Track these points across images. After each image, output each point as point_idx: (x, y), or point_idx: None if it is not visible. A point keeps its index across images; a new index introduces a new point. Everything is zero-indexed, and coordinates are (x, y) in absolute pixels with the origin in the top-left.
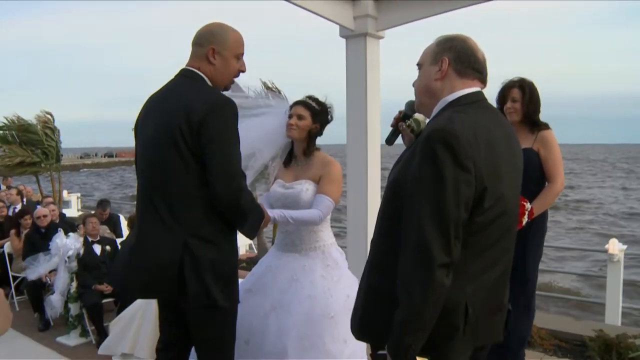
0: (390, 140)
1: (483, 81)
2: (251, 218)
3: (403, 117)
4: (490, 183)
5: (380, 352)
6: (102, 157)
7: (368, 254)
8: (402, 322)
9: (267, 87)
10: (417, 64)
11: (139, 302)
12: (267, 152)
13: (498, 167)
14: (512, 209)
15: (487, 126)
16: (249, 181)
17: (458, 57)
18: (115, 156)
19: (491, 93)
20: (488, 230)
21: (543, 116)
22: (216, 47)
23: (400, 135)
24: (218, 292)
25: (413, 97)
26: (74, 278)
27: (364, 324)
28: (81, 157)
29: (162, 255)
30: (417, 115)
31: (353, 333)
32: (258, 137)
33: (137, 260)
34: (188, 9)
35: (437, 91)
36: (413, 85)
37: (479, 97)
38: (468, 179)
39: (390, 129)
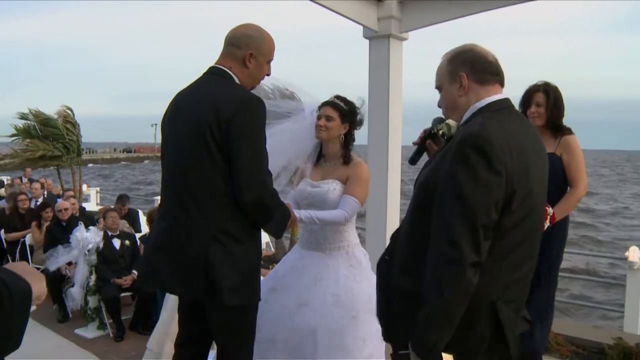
0: (414, 160)
1: (502, 82)
2: (276, 217)
3: (429, 135)
4: (519, 187)
5: (402, 351)
6: (120, 152)
7: (392, 255)
8: (428, 319)
9: (280, 91)
10: (436, 87)
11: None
12: (299, 158)
13: (527, 171)
14: (538, 213)
15: (516, 132)
16: (282, 184)
17: (473, 68)
18: (134, 152)
19: (515, 97)
20: (514, 233)
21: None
22: (254, 52)
23: (426, 153)
24: (239, 290)
25: (440, 114)
26: (93, 271)
27: (389, 324)
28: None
29: (188, 249)
30: (449, 121)
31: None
32: (287, 144)
33: (163, 254)
34: (203, 3)
35: (465, 105)
36: (439, 106)
37: (507, 104)
38: (499, 182)
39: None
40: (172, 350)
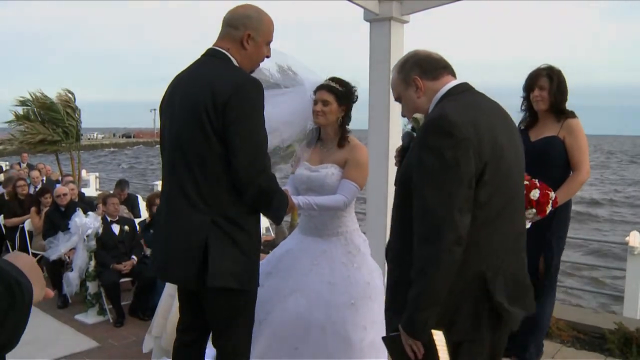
0: None
1: (453, 73)
2: (275, 203)
3: (404, 148)
4: (489, 158)
5: (392, 334)
6: (119, 137)
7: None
8: (416, 298)
9: (283, 70)
10: (396, 99)
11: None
12: (286, 133)
13: (497, 143)
14: (514, 178)
15: (481, 108)
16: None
17: (423, 69)
18: (133, 137)
19: (518, 82)
20: (492, 202)
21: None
22: (251, 32)
23: None
24: (238, 276)
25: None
26: (93, 257)
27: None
28: None
29: (188, 235)
30: (416, 115)
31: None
32: (278, 116)
33: (162, 240)
34: None
35: (425, 105)
36: (403, 115)
37: (466, 87)
38: (467, 157)
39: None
40: (173, 334)
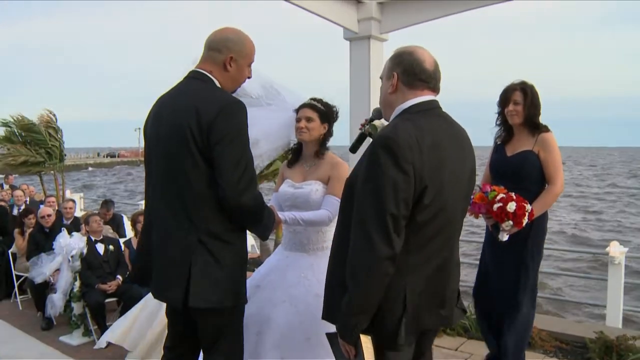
0: (354, 148)
1: (433, 89)
2: (262, 220)
3: (370, 122)
4: (430, 182)
5: (331, 332)
6: (104, 157)
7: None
8: (348, 305)
9: (266, 88)
10: (380, 77)
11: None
12: (265, 147)
13: (440, 167)
14: (452, 206)
15: (433, 132)
16: None
17: (405, 71)
18: (118, 156)
19: (490, 97)
20: (428, 227)
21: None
22: (234, 55)
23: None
24: (225, 293)
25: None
26: (77, 277)
27: (328, 307)
28: None
29: (174, 254)
30: (376, 121)
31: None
32: (260, 129)
33: (148, 259)
34: (185, 8)
35: (393, 102)
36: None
37: (431, 106)
38: (407, 180)
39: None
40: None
